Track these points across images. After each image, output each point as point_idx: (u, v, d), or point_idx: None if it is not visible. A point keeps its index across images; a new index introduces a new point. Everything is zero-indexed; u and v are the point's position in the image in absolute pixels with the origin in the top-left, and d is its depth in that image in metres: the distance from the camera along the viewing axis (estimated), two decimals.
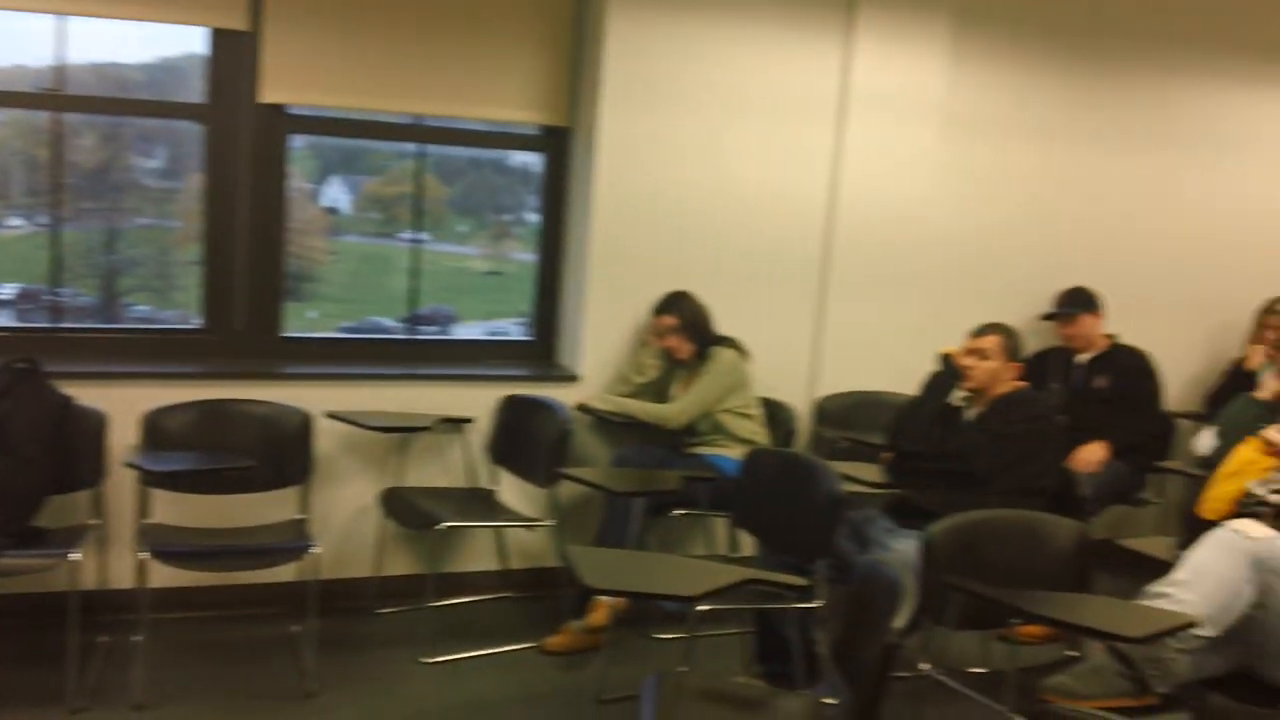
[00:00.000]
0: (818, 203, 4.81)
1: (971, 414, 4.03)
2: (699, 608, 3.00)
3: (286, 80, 4.26)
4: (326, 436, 4.21)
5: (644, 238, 4.60)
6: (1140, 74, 5.26)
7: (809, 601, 3.38)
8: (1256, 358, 5.06)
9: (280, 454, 4.03)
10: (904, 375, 4.36)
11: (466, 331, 5.28)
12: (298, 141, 4.50)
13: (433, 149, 4.71)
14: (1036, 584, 3.18)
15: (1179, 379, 5.40)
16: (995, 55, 5.02)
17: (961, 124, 4.98)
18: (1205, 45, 5.34)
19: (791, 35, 4.67)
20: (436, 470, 4.46)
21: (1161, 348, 5.11)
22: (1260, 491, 3.37)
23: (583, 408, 4.48)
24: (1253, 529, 3.07)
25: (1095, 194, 5.29)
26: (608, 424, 4.52)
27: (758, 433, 4.50)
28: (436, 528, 3.98)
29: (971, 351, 4.04)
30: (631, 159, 4.53)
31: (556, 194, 4.78)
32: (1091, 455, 4.68)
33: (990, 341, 4.04)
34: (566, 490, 4.33)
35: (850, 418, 4.80)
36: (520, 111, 4.63)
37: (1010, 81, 5.06)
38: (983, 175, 5.09)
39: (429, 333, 4.93)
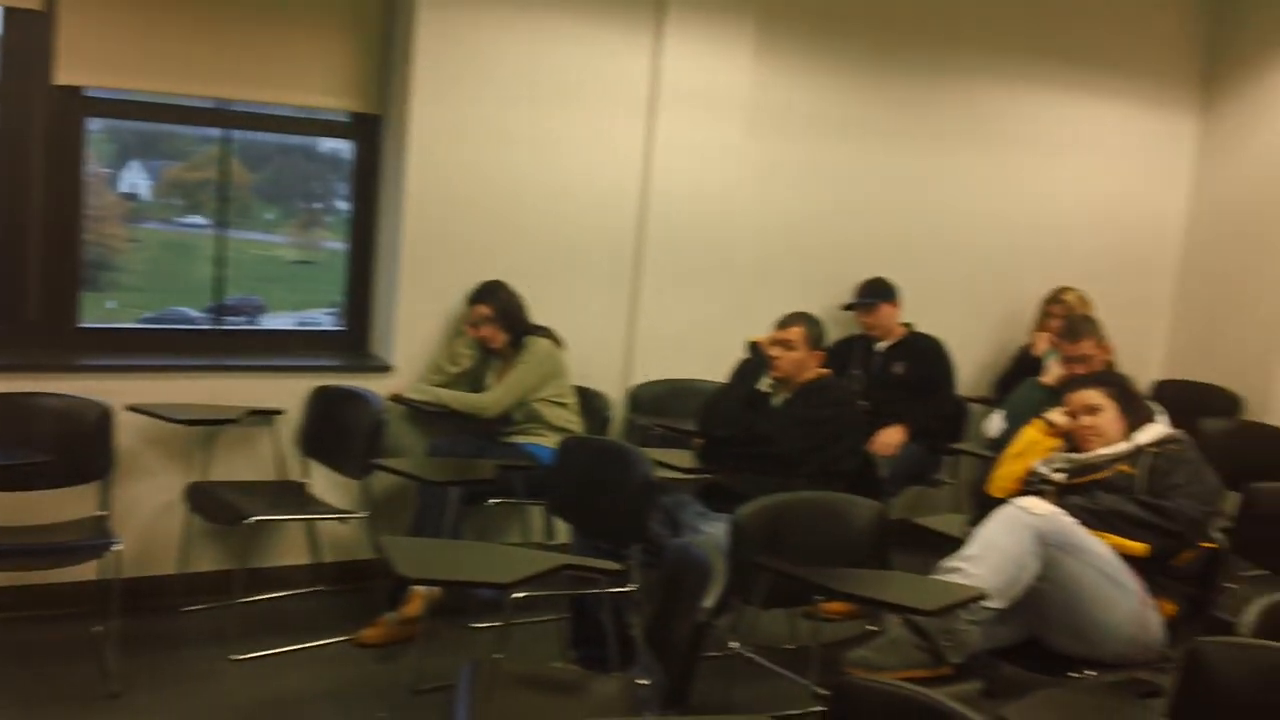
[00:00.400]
0: (630, 194, 4.88)
1: (778, 400, 4.17)
2: (514, 595, 3.03)
3: (83, 61, 4.09)
4: (128, 430, 4.06)
5: (458, 227, 4.59)
6: (939, 75, 5.50)
7: (623, 586, 3.44)
8: (1042, 344, 5.35)
9: (79, 448, 3.87)
10: (715, 363, 4.48)
11: (275, 322, 5.16)
12: (95, 125, 4.32)
13: (238, 134, 4.59)
14: (839, 562, 3.32)
15: (971, 365, 5.68)
16: (799, 54, 5.17)
17: (768, 120, 5.12)
18: (999, 49, 5.62)
19: (603, 28, 4.72)
20: (245, 464, 4.35)
21: (955, 335, 5.38)
22: (1044, 470, 3.58)
23: (396, 398, 4.44)
24: (1036, 505, 3.26)
25: (894, 189, 5.51)
26: (422, 414, 4.50)
27: (573, 421, 4.55)
28: (245, 522, 3.89)
29: (777, 341, 4.18)
30: (444, 147, 4.51)
31: (367, 182, 4.72)
32: (890, 438, 4.89)
33: (795, 332, 4.19)
34: (380, 482, 4.29)
35: (664, 405, 4.89)
36: (329, 97, 4.55)
37: (814, 80, 5.23)
38: (788, 170, 5.25)
39: (236, 323, 4.80)
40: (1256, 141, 5.95)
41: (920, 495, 5.31)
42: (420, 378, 4.56)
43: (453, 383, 4.52)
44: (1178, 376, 6.18)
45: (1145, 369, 6.23)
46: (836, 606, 4.19)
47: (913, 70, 5.44)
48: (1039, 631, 3.31)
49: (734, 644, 3.43)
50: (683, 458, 4.13)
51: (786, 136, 5.21)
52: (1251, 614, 2.76)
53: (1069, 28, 5.78)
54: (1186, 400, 5.83)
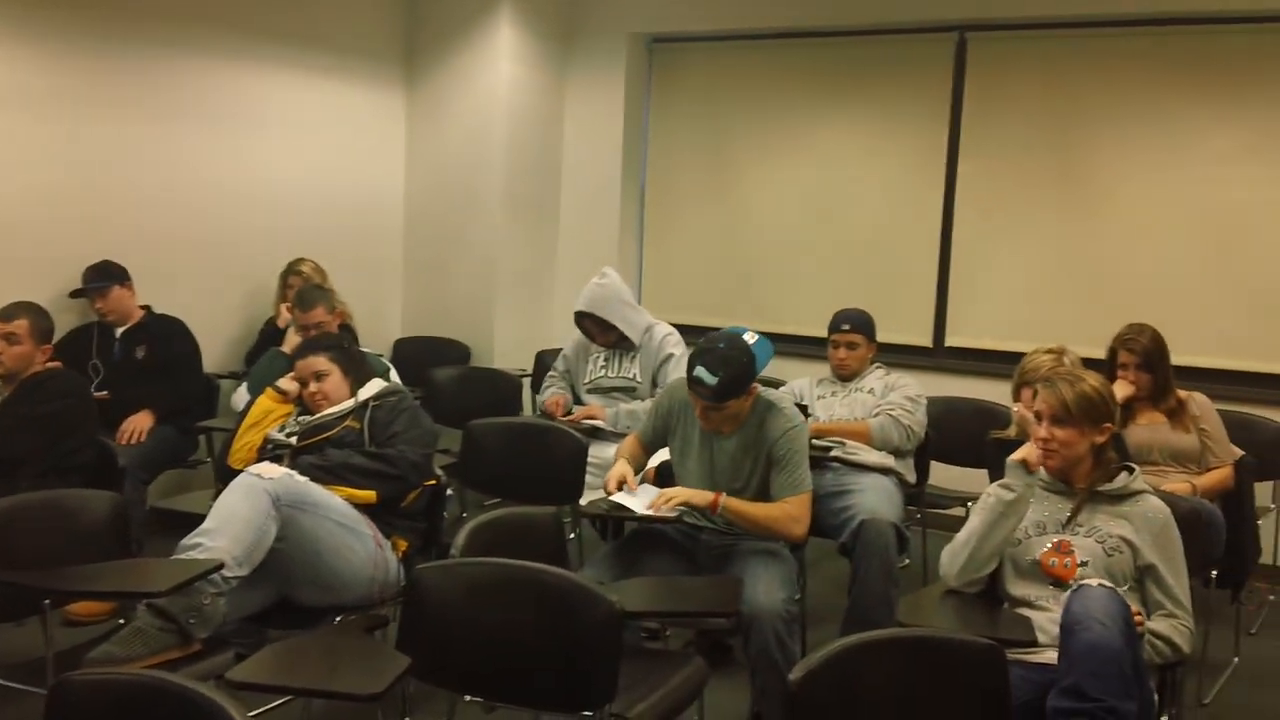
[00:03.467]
0: None
1: None
2: None
3: None
4: None
5: None
6: (155, 51, 5.35)
7: None
8: (285, 315, 5.49)
9: None
10: None
11: None
12: None
13: None
14: (79, 560, 3.19)
15: (221, 341, 5.70)
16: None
17: None
18: (215, 26, 5.60)
19: None
20: None
21: (200, 313, 5.37)
22: (279, 436, 3.72)
23: None
24: (268, 470, 3.35)
25: (119, 169, 5.28)
26: None
27: None
28: None
29: (1, 336, 3.91)
30: None
31: None
32: (137, 425, 4.76)
33: (20, 324, 3.99)
34: None
35: None
36: None
37: (13, 50, 4.84)
38: None
39: None
40: (452, 112, 6.57)
41: (178, 478, 5.23)
42: None
43: None
44: (415, 334, 6.69)
45: (387, 329, 6.68)
46: (86, 607, 4.02)
47: (128, 44, 5.24)
48: (287, 590, 3.44)
49: None
50: None
51: None
52: (461, 538, 3.12)
53: (280, 7, 5.92)
54: (425, 354, 6.36)
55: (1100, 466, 2.95)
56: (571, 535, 4.98)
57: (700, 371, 3.38)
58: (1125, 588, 2.80)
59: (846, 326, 4.70)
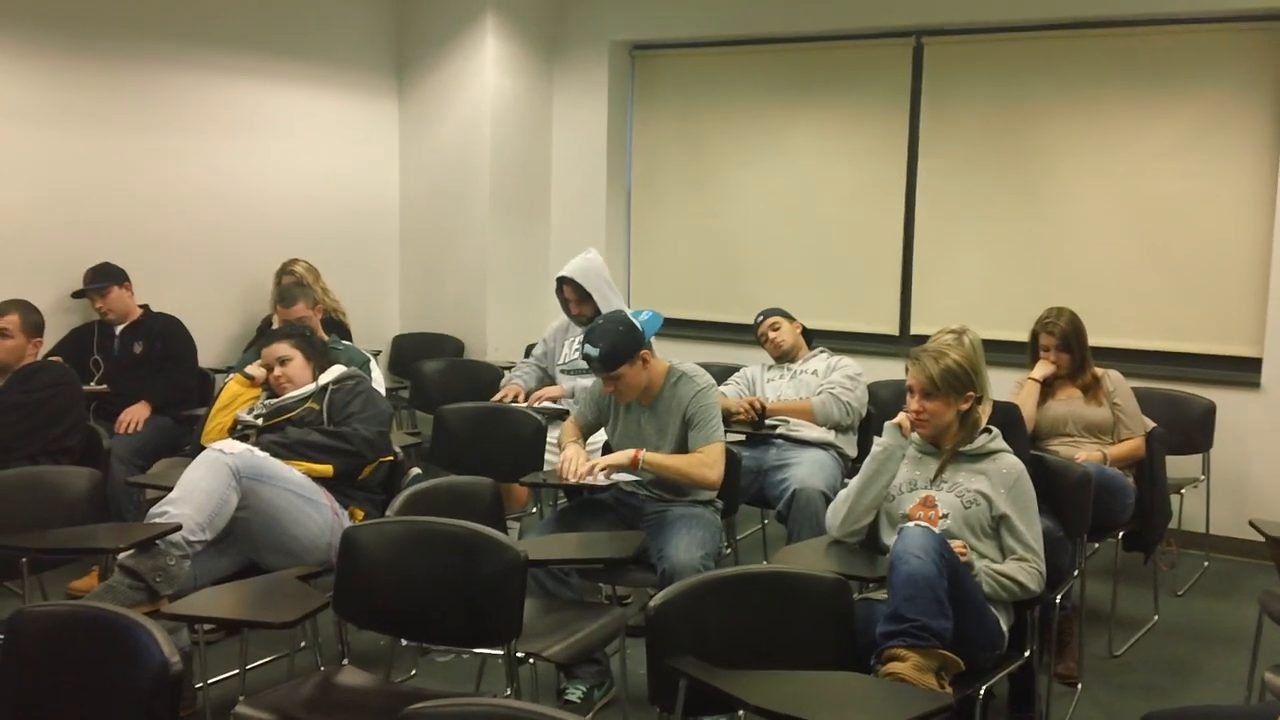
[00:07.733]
0: None
1: None
2: None
3: None
4: None
5: None
6: (153, 66, 5.71)
7: None
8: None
9: None
10: None
11: None
12: None
13: None
14: (55, 525, 3.55)
15: (220, 338, 6.07)
16: None
17: None
18: (210, 41, 5.96)
19: None
20: None
21: (198, 312, 5.72)
22: (247, 418, 4.07)
23: None
24: (230, 446, 3.69)
25: (122, 177, 5.63)
26: None
27: None
28: None
29: None
30: None
31: None
32: (133, 415, 5.10)
33: (11, 320, 4.33)
34: None
35: None
36: None
37: (15, 66, 5.19)
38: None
39: None
40: (442, 119, 6.90)
41: (174, 464, 5.57)
42: None
43: None
44: (411, 330, 7.04)
45: (386, 326, 7.04)
46: (86, 583, 4.38)
47: (129, 61, 5.60)
48: (253, 555, 3.77)
49: None
50: None
51: None
52: (399, 501, 3.45)
53: (274, 22, 6.27)
54: (421, 349, 6.72)
55: (965, 429, 3.23)
56: (533, 509, 5.31)
57: (587, 348, 3.79)
58: (985, 536, 3.09)
59: (761, 317, 5.11)
